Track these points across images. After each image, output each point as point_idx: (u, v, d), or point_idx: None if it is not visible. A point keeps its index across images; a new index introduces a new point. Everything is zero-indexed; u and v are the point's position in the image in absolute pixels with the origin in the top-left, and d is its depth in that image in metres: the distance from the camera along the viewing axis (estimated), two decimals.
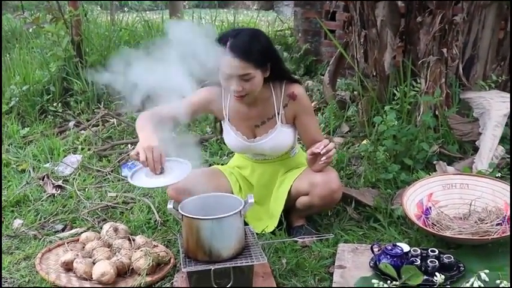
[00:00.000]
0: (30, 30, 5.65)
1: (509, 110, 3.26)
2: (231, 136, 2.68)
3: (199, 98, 2.62)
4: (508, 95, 3.40)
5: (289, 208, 2.73)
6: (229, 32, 2.48)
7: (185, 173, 2.26)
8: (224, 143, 2.94)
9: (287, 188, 2.67)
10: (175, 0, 7.96)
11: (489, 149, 3.09)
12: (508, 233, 2.36)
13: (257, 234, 2.61)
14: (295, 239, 2.55)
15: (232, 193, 2.65)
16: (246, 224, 2.64)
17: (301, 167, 2.71)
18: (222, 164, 3.12)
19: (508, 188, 2.58)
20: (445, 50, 3.53)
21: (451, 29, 3.54)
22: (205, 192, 2.40)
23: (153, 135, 2.30)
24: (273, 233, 2.68)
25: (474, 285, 2.12)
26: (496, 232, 2.40)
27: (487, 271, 2.19)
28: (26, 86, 4.57)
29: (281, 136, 2.64)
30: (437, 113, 3.48)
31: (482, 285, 2.13)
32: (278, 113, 2.61)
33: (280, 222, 2.70)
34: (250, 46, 2.38)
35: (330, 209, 2.82)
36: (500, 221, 2.48)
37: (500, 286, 2.12)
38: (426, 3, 3.74)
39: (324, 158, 2.47)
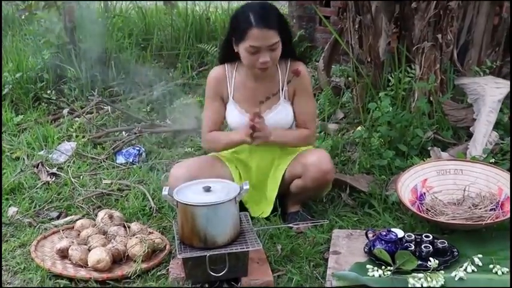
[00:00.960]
0: (23, 17, 5.59)
1: (503, 95, 3.26)
2: (235, 113, 2.68)
3: (212, 90, 2.69)
4: (503, 80, 3.41)
5: (285, 193, 2.74)
6: (246, 8, 2.55)
7: (230, 194, 2.25)
8: None
9: (281, 173, 2.68)
10: None
11: (483, 134, 3.10)
12: (501, 218, 2.38)
13: (254, 218, 2.63)
14: (290, 225, 2.56)
15: (233, 181, 2.64)
16: (245, 208, 2.66)
17: (296, 151, 2.72)
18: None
19: (502, 173, 2.59)
20: (439, 36, 3.52)
21: (446, 14, 3.52)
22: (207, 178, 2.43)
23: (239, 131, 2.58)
24: (267, 219, 2.69)
25: (468, 270, 2.14)
26: (489, 217, 2.42)
27: (480, 256, 2.21)
28: (19, 74, 4.53)
29: (283, 112, 2.67)
30: (431, 99, 3.48)
31: (476, 270, 2.15)
32: (282, 89, 2.66)
33: (275, 208, 2.71)
34: (272, 15, 2.51)
35: (324, 192, 2.81)
36: (494, 207, 2.49)
37: (494, 270, 2.14)
38: None
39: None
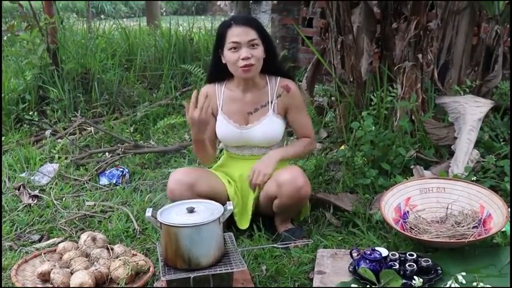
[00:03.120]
0: (5, 38, 5.59)
1: (483, 114, 3.30)
2: (224, 125, 2.75)
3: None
4: (482, 99, 3.45)
5: (271, 215, 2.78)
6: (229, 18, 2.79)
7: (214, 215, 2.24)
8: None
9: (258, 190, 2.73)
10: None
11: (464, 153, 3.13)
12: (484, 236, 2.40)
13: (239, 238, 2.62)
14: (275, 245, 2.56)
15: (228, 195, 2.70)
16: (230, 229, 2.67)
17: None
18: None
19: (484, 191, 2.62)
20: (420, 56, 3.58)
21: (426, 35, 3.59)
22: (204, 189, 2.55)
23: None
24: (252, 239, 2.68)
25: (452, 287, 2.15)
26: (472, 235, 2.43)
27: (464, 274, 2.21)
28: None
29: (272, 125, 2.73)
30: (413, 118, 3.52)
31: None
32: (271, 101, 2.74)
33: (259, 228, 2.71)
34: (250, 18, 2.80)
35: (302, 207, 2.80)
36: (476, 224, 2.51)
37: None
38: (401, 9, 3.80)
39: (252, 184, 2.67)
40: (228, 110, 2.75)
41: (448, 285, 2.16)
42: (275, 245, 2.56)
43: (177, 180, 2.62)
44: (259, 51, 2.62)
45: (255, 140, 2.74)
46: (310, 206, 2.87)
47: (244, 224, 2.75)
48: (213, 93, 2.77)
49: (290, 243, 2.58)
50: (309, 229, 2.82)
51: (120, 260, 2.35)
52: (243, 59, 2.58)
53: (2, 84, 4.65)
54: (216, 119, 2.78)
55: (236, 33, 2.59)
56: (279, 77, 2.77)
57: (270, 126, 2.73)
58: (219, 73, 2.76)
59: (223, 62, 2.67)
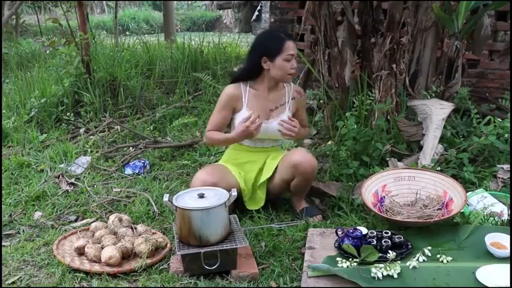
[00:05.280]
0: (47, 52, 5.59)
1: (446, 115, 3.30)
2: (244, 116, 2.69)
3: (226, 103, 2.73)
4: (445, 102, 3.44)
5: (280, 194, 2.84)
6: (270, 32, 2.95)
7: (221, 200, 2.24)
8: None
9: (270, 173, 2.73)
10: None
11: (431, 147, 3.13)
12: (446, 216, 2.40)
13: (242, 219, 2.62)
14: (272, 225, 2.56)
15: (240, 187, 2.69)
16: (235, 211, 2.67)
17: (281, 153, 2.80)
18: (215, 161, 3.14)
19: (447, 179, 2.61)
20: (394, 66, 3.57)
21: (399, 48, 3.58)
22: (223, 186, 2.46)
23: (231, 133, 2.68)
24: (253, 220, 2.68)
25: (419, 260, 2.15)
26: (436, 215, 2.43)
27: (429, 248, 2.22)
28: (43, 99, 4.52)
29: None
30: (389, 118, 3.51)
31: (426, 260, 2.16)
32: (287, 102, 2.79)
33: (259, 211, 2.71)
34: None
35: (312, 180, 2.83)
36: (440, 207, 2.50)
37: (440, 259, 2.15)
38: (378, 27, 3.79)
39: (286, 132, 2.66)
40: (252, 107, 2.72)
41: (416, 257, 2.16)
42: (272, 225, 2.56)
43: (202, 180, 2.55)
44: None
45: (274, 133, 2.73)
46: None
47: (253, 206, 2.76)
48: (238, 92, 2.73)
49: (283, 224, 2.59)
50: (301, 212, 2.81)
51: (142, 237, 2.36)
52: (292, 69, 2.65)
53: (45, 90, 4.66)
54: (233, 113, 2.74)
55: (292, 47, 2.65)
56: (291, 84, 2.84)
57: None
58: (251, 74, 2.74)
59: (265, 66, 2.66)
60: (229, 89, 2.75)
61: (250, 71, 2.74)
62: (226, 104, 2.72)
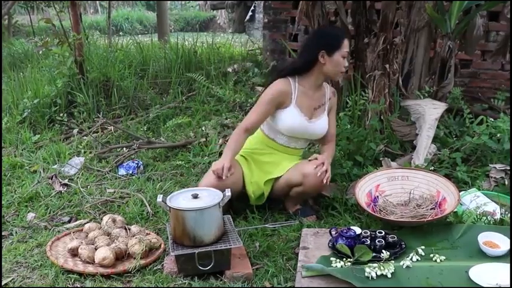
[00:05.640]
0: (40, 52, 5.56)
1: (439, 114, 3.31)
2: (296, 117, 2.68)
3: (273, 98, 2.66)
4: (438, 102, 3.46)
5: (283, 197, 2.79)
6: (335, 27, 3.26)
7: (215, 200, 2.23)
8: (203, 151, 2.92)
9: (281, 173, 2.70)
10: None
11: (424, 147, 3.14)
12: (439, 215, 2.40)
13: (235, 220, 2.61)
14: (265, 225, 2.56)
15: (244, 183, 2.67)
16: (229, 211, 2.66)
17: (295, 161, 2.77)
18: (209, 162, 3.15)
19: (440, 178, 2.62)
20: (387, 66, 3.58)
21: (392, 48, 3.59)
22: (228, 187, 2.38)
23: (226, 159, 2.50)
24: (247, 220, 2.67)
25: (413, 259, 2.16)
26: (430, 215, 2.43)
27: (423, 247, 2.22)
28: (36, 100, 4.49)
29: (326, 121, 2.79)
30: (382, 118, 3.52)
31: (420, 259, 2.17)
32: (326, 102, 2.80)
33: (253, 211, 2.70)
34: None
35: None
36: (434, 206, 2.51)
37: (434, 259, 2.16)
38: (371, 27, 3.79)
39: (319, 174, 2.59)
40: (300, 104, 2.69)
41: (410, 257, 2.16)
42: (266, 225, 2.56)
43: (211, 185, 2.47)
44: None
45: (316, 132, 2.74)
46: None
47: (257, 201, 2.74)
48: (288, 88, 2.67)
49: (277, 224, 2.58)
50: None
51: (136, 238, 2.35)
52: (345, 67, 2.68)
53: (38, 91, 4.63)
54: (277, 109, 2.67)
55: (348, 45, 2.68)
56: (328, 85, 2.84)
57: (325, 122, 2.78)
58: (305, 68, 2.69)
59: (321, 61, 2.63)
60: (280, 84, 2.68)
61: (307, 64, 2.67)
62: (275, 99, 2.65)
